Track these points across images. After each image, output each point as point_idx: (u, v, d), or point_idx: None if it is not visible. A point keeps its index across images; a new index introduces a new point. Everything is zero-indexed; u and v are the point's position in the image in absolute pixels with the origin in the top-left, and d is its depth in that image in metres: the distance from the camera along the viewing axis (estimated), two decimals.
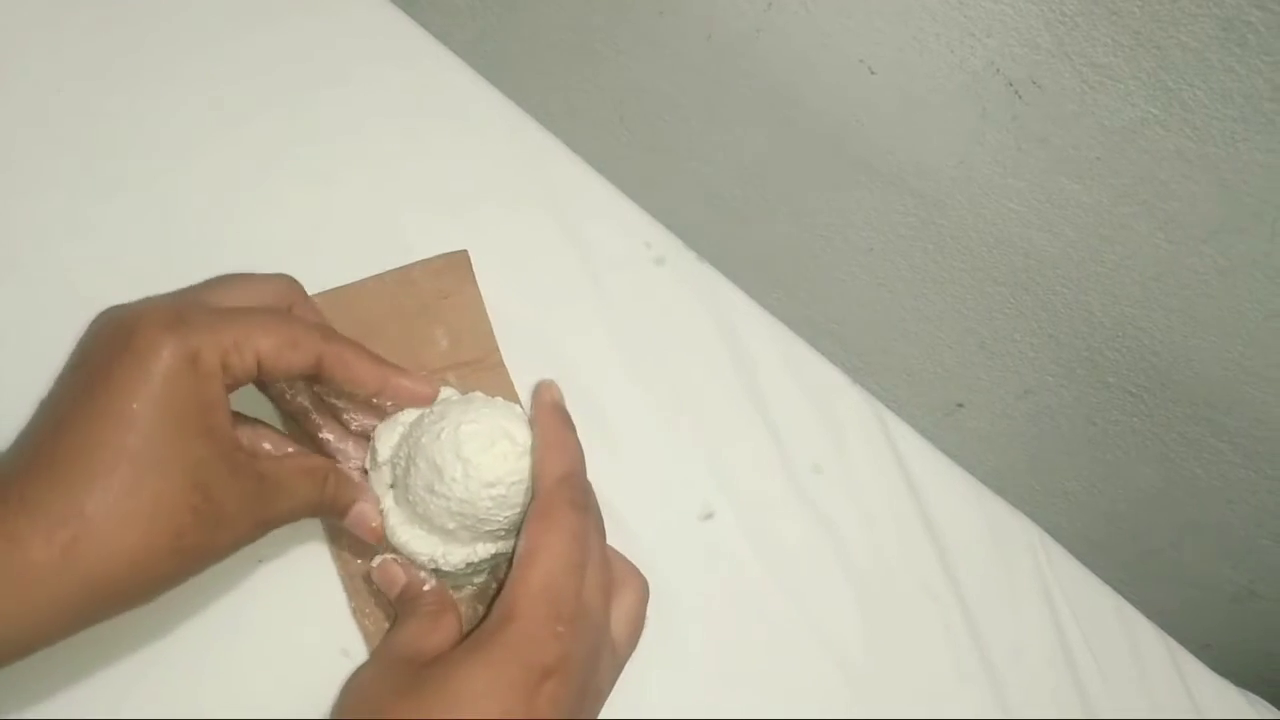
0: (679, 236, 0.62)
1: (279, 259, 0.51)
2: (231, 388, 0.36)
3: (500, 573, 0.46)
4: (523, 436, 0.43)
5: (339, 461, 0.44)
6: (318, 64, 0.57)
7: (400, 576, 0.43)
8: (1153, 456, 0.85)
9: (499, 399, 0.45)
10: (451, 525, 0.42)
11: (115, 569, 0.32)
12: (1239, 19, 0.56)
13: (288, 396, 0.43)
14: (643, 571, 0.45)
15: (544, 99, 0.92)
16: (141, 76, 0.53)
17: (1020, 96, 0.67)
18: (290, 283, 0.42)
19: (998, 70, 0.66)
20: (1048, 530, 0.67)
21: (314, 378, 0.41)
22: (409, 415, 0.45)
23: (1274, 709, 0.70)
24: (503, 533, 0.43)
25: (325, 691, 0.42)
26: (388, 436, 0.45)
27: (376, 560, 0.44)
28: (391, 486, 0.44)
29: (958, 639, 0.58)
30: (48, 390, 0.35)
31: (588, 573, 0.40)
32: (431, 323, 0.50)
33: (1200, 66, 0.59)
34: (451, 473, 0.41)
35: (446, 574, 0.44)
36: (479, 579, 0.46)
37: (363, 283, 0.50)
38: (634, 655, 0.46)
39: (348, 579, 0.45)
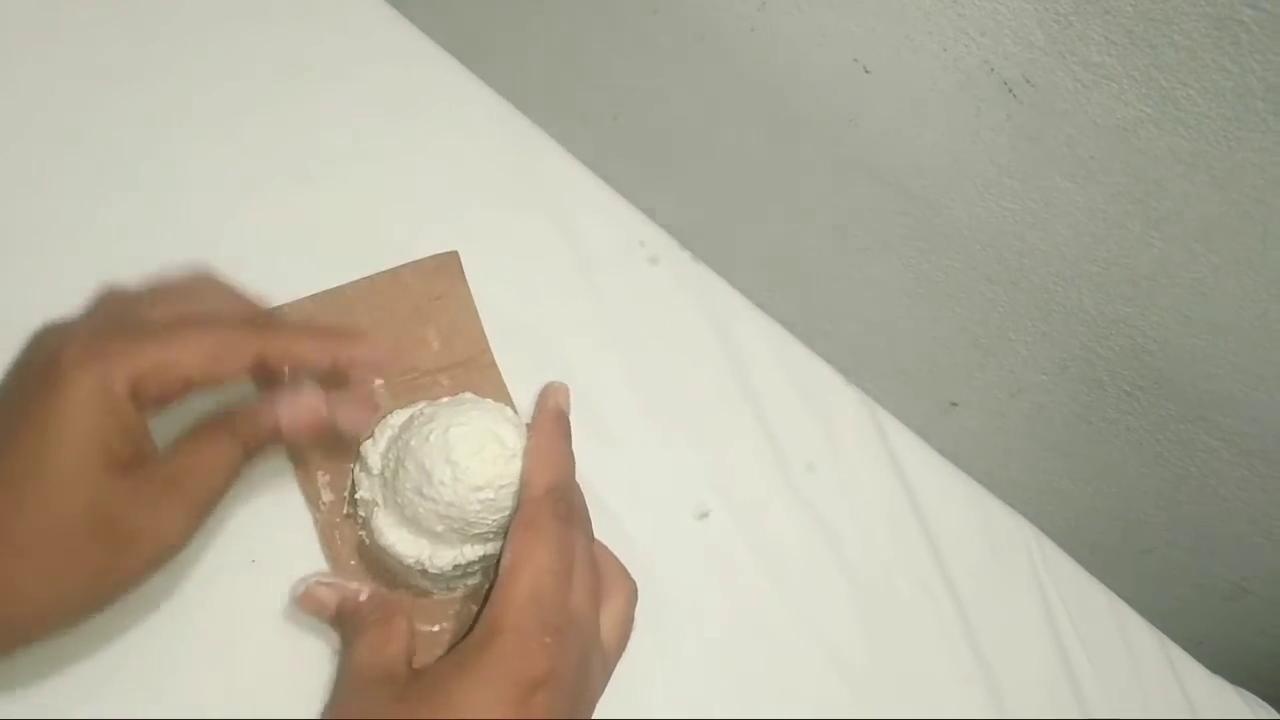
0: (673, 235, 0.62)
1: (269, 258, 0.51)
2: (158, 405, 0.36)
3: (493, 574, 0.46)
4: (512, 440, 0.43)
5: None
6: (308, 61, 0.57)
7: (329, 597, 0.42)
8: (1146, 454, 0.85)
9: (489, 401, 0.45)
10: (440, 528, 0.42)
11: (23, 609, 0.34)
12: (1232, 18, 0.56)
13: None
14: (638, 570, 0.45)
15: (537, 97, 0.92)
16: (131, 75, 0.53)
17: (1014, 95, 0.67)
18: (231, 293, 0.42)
19: (992, 69, 0.66)
20: (1042, 528, 0.67)
21: (263, 373, 0.40)
22: (398, 418, 0.45)
23: (1268, 705, 0.70)
24: (491, 535, 0.43)
25: (318, 690, 0.42)
26: (378, 438, 0.45)
27: (300, 588, 0.42)
28: (381, 488, 0.44)
29: (952, 637, 0.58)
30: None
31: (574, 580, 0.39)
32: (423, 324, 0.50)
33: (1193, 65, 0.59)
34: (440, 476, 0.41)
35: (435, 576, 0.44)
36: (471, 580, 0.46)
37: (354, 284, 0.50)
38: (628, 654, 0.46)
39: (331, 553, 0.45)
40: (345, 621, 0.42)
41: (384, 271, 0.51)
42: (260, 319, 0.41)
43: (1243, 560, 0.90)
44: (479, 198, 0.57)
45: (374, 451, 0.44)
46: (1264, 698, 0.71)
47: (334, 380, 0.43)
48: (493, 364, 0.51)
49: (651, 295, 0.59)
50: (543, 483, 0.42)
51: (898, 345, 0.91)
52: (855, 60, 0.71)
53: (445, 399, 0.46)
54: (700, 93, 0.82)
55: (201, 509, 0.38)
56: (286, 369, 0.41)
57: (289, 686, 0.42)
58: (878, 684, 0.55)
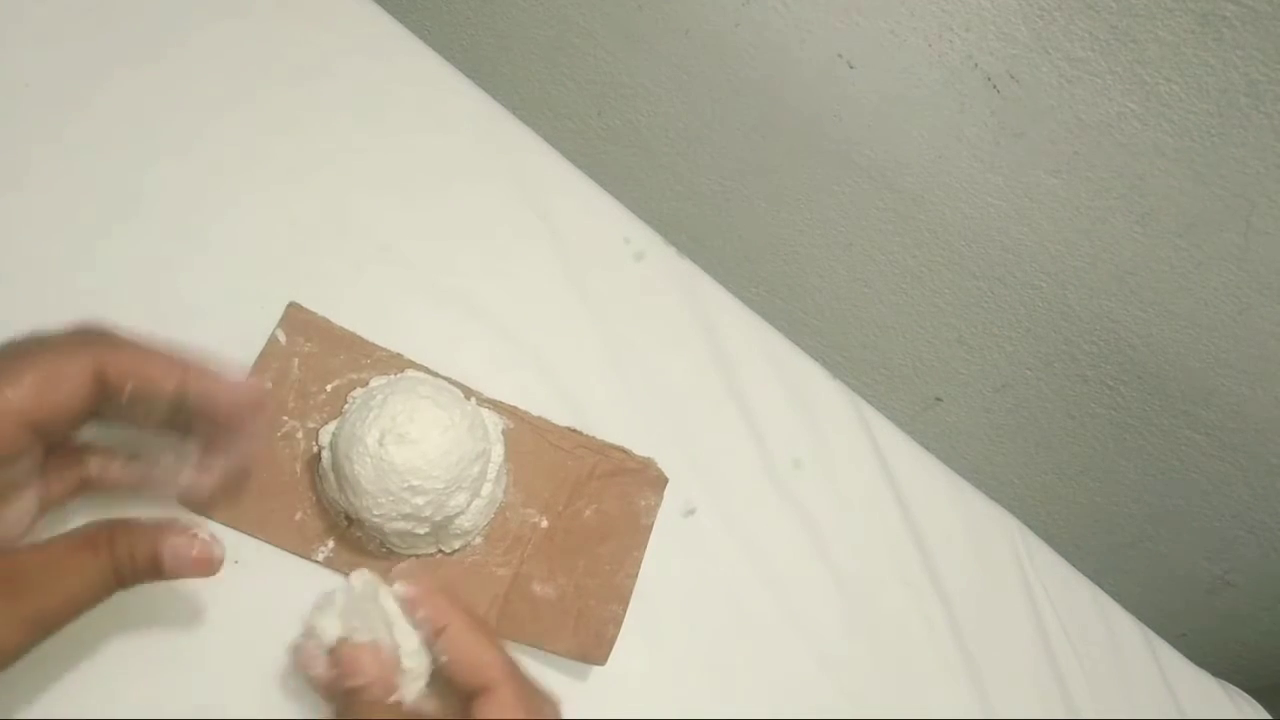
0: (658, 231, 0.62)
1: (251, 252, 0.50)
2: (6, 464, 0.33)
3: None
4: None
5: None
6: (293, 58, 0.57)
7: (366, 666, 0.37)
8: (1130, 449, 0.86)
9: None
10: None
11: None
12: (1215, 14, 0.56)
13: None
14: None
15: (521, 94, 0.91)
16: (113, 71, 0.52)
17: (998, 91, 0.67)
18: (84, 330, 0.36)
19: (975, 65, 0.66)
20: (1026, 523, 0.68)
21: (116, 396, 0.34)
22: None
23: (1249, 697, 0.71)
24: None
25: (300, 691, 0.41)
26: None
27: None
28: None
29: (937, 630, 0.58)
30: None
31: None
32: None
33: (1177, 61, 0.59)
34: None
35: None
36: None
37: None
38: (616, 649, 0.46)
39: None
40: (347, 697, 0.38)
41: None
42: (96, 333, 0.36)
43: (1224, 553, 0.90)
44: (463, 194, 0.57)
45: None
46: (1246, 689, 0.72)
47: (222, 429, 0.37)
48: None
49: (637, 291, 0.59)
50: (500, 662, 0.38)
51: (882, 341, 0.91)
52: (839, 55, 0.71)
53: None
54: (685, 88, 0.82)
55: (39, 622, 0.32)
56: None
57: (270, 686, 0.42)
58: (863, 678, 0.55)
